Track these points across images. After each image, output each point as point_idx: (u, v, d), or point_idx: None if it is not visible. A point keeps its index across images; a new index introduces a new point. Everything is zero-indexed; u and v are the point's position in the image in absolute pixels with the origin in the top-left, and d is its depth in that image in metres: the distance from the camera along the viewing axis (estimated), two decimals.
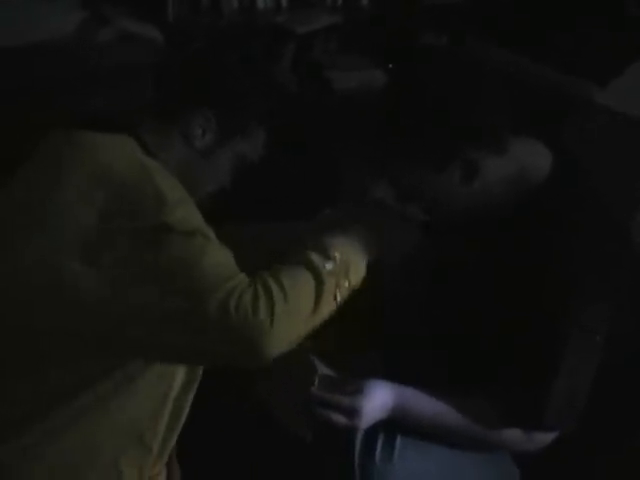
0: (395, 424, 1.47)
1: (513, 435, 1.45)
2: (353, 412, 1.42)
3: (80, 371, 1.32)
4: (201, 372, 1.43)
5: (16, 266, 1.32)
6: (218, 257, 1.29)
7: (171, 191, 1.30)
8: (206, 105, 1.43)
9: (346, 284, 1.35)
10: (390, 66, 1.98)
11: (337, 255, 1.35)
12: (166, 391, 1.39)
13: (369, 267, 1.40)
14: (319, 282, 1.31)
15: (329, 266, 1.33)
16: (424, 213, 1.50)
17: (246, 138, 1.48)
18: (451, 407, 1.46)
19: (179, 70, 1.48)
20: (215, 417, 1.56)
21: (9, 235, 1.36)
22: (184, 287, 1.25)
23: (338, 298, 1.34)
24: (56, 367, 1.32)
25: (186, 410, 1.44)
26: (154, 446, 1.41)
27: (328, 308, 1.33)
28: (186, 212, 1.30)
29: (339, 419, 1.42)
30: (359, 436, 1.48)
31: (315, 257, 1.33)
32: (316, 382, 1.45)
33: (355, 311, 1.59)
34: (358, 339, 1.63)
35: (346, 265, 1.35)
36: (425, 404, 1.47)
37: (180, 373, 1.39)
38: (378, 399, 1.44)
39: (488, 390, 1.43)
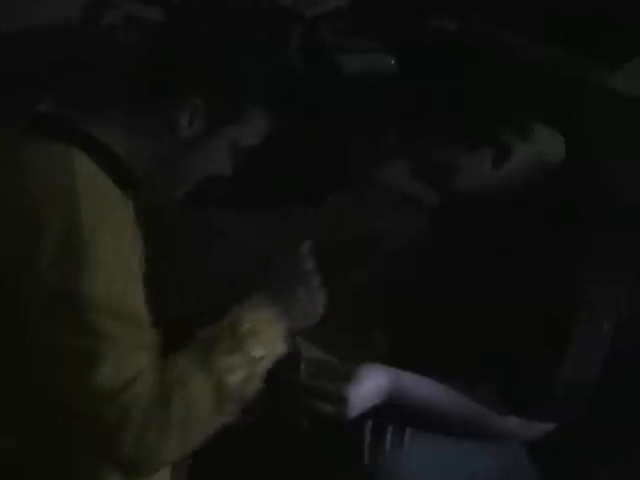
0: (399, 414, 1.48)
1: (513, 423, 1.46)
2: (339, 399, 1.40)
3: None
4: None
5: None
6: (131, 355, 1.19)
7: (101, 245, 1.17)
8: (195, 93, 1.33)
9: (251, 387, 1.30)
10: (393, 62, 1.99)
11: (250, 344, 1.28)
12: None
13: (375, 251, 1.39)
14: (220, 401, 1.25)
15: (235, 377, 1.26)
16: (437, 196, 1.54)
17: (241, 125, 1.38)
18: (452, 393, 1.46)
19: (163, 56, 1.37)
20: None
21: None
22: (81, 385, 1.16)
23: (245, 395, 1.29)
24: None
25: None
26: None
27: (228, 415, 1.29)
28: (111, 279, 1.17)
29: (325, 407, 1.41)
30: (368, 427, 1.49)
31: (223, 363, 1.26)
32: (302, 367, 1.43)
33: (359, 295, 1.69)
34: (361, 323, 1.63)
35: (261, 356, 1.29)
36: (424, 388, 1.47)
37: None
38: (371, 383, 1.42)
39: (490, 376, 1.45)
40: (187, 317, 1.44)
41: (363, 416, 1.47)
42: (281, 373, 1.38)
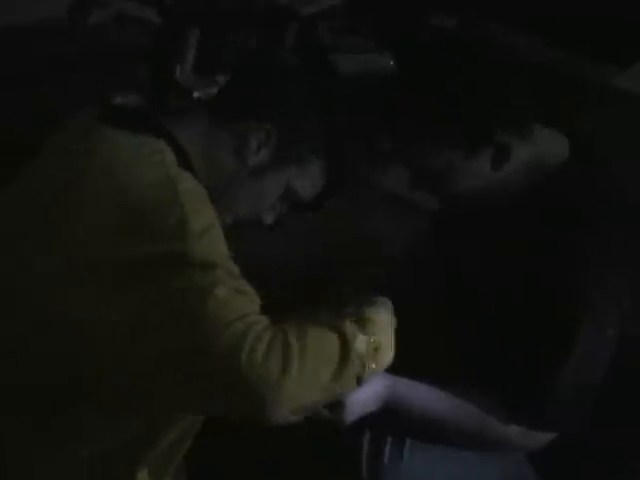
0: (397, 423, 1.47)
1: (512, 432, 1.45)
2: (336, 404, 1.38)
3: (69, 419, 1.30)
4: (199, 425, 1.41)
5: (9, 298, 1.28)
6: (237, 293, 1.20)
7: (198, 216, 1.22)
8: (270, 119, 1.35)
9: (373, 366, 1.29)
10: (391, 63, 1.98)
11: (372, 330, 1.29)
12: (153, 439, 1.36)
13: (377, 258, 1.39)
14: (345, 359, 1.23)
15: (361, 346, 1.26)
16: (436, 201, 1.52)
17: (301, 169, 1.40)
18: (450, 399, 1.45)
19: (248, 76, 1.41)
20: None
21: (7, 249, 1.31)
22: (195, 320, 1.16)
23: (361, 379, 1.28)
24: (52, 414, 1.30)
25: (181, 454, 1.43)
26: None
27: (346, 387, 1.27)
28: (210, 243, 1.21)
29: (322, 412, 1.39)
30: (366, 438, 1.48)
31: (350, 328, 1.26)
32: None
33: None
34: None
35: (376, 346, 1.29)
36: (422, 395, 1.46)
37: (174, 425, 1.37)
38: (367, 389, 1.40)
39: (490, 384, 1.43)
40: None
41: (361, 427, 1.46)
42: None
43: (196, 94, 1.99)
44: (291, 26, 2.34)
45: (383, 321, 1.33)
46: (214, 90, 1.96)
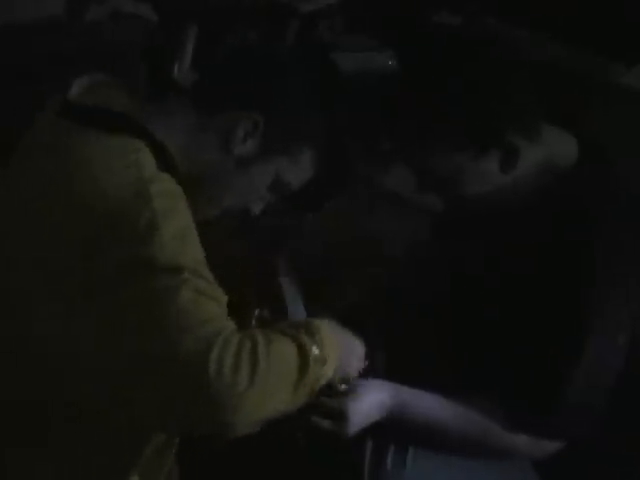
0: (400, 432, 1.45)
1: (519, 440, 1.43)
2: (339, 415, 1.38)
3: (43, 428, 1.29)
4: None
5: None
6: (204, 296, 1.18)
7: (169, 220, 1.20)
8: (258, 108, 1.33)
9: (321, 378, 1.28)
10: (390, 62, 1.97)
11: (323, 342, 1.27)
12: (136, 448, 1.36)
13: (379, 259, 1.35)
14: (304, 371, 1.23)
15: (316, 351, 1.25)
16: (441, 202, 1.51)
17: (290, 159, 1.39)
18: (455, 408, 1.44)
19: (235, 61, 1.39)
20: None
21: None
22: (161, 321, 1.15)
23: (314, 387, 1.26)
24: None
25: (169, 459, 1.42)
26: None
27: (303, 395, 1.25)
28: (180, 247, 1.19)
29: (324, 423, 1.38)
30: (368, 446, 1.47)
31: (305, 337, 1.25)
32: None
33: (358, 309, 1.66)
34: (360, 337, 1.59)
35: (324, 360, 1.27)
36: (426, 404, 1.45)
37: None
38: (372, 399, 1.41)
39: (495, 392, 1.42)
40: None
41: (364, 435, 1.45)
42: None
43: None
44: (291, 24, 2.32)
45: (330, 338, 1.30)
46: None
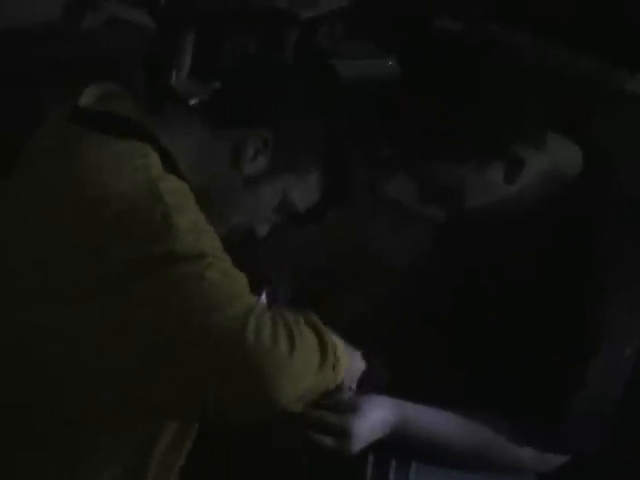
0: (403, 447, 1.43)
1: (524, 454, 1.42)
2: (342, 433, 1.35)
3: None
4: (194, 430, 1.39)
5: None
6: (230, 277, 1.19)
7: (182, 214, 1.20)
8: (267, 125, 1.33)
9: (336, 376, 1.29)
10: (390, 63, 1.97)
11: (334, 343, 1.28)
12: (146, 448, 1.34)
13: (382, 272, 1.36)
14: (324, 349, 1.24)
15: (330, 346, 1.26)
16: (446, 215, 1.48)
17: (298, 178, 1.38)
18: (459, 423, 1.43)
19: (244, 80, 1.39)
20: (216, 446, 1.51)
21: None
22: (191, 303, 1.15)
23: (330, 382, 1.28)
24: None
25: (178, 464, 1.40)
26: None
27: (324, 381, 1.26)
28: (197, 237, 1.20)
29: (326, 440, 1.35)
30: (370, 461, 1.45)
31: (320, 327, 1.27)
32: None
33: (358, 321, 1.65)
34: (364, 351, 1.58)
35: (337, 359, 1.28)
36: (432, 419, 1.43)
37: (167, 432, 1.34)
38: (375, 415, 1.39)
39: (500, 405, 1.40)
40: None
41: (365, 450, 1.42)
42: None
43: (192, 101, 1.95)
44: (291, 31, 2.31)
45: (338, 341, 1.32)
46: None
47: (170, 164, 1.28)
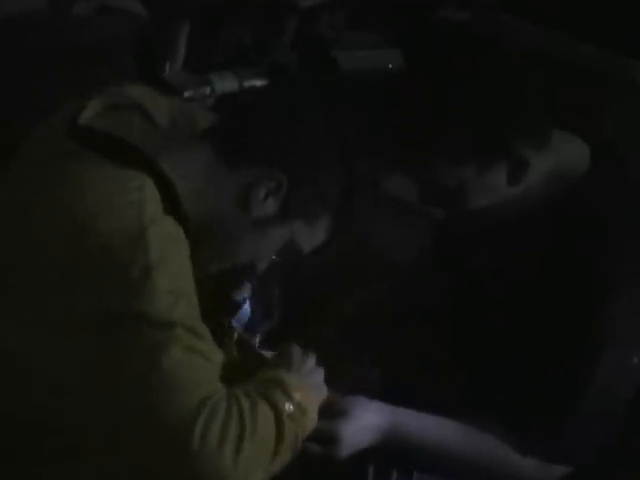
0: (404, 457, 1.41)
1: (525, 464, 1.39)
2: (329, 438, 1.32)
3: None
4: None
5: None
6: (195, 355, 1.15)
7: (164, 268, 1.15)
8: (283, 168, 1.28)
9: (301, 432, 1.25)
10: (390, 66, 1.94)
11: (297, 396, 1.24)
12: None
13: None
14: (279, 422, 1.20)
15: (289, 408, 1.22)
16: (447, 215, 1.46)
17: (308, 225, 1.33)
18: (458, 430, 1.40)
19: (261, 116, 1.33)
20: None
21: None
22: (147, 380, 1.12)
23: (297, 445, 1.24)
24: None
25: None
26: None
27: (285, 456, 1.22)
28: (174, 300, 1.15)
29: (313, 447, 1.32)
30: (370, 472, 1.42)
31: (277, 394, 1.23)
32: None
33: (352, 324, 1.63)
34: (354, 355, 1.58)
35: (303, 410, 1.25)
36: (426, 426, 1.40)
37: None
38: (365, 420, 1.36)
39: (501, 412, 1.38)
40: None
41: (365, 460, 1.41)
42: None
43: (187, 94, 1.95)
44: (290, 20, 2.27)
45: (305, 387, 1.29)
46: (206, 90, 1.91)
47: (169, 193, 1.22)
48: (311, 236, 1.35)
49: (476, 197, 1.37)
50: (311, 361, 1.36)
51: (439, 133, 1.34)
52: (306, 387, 1.27)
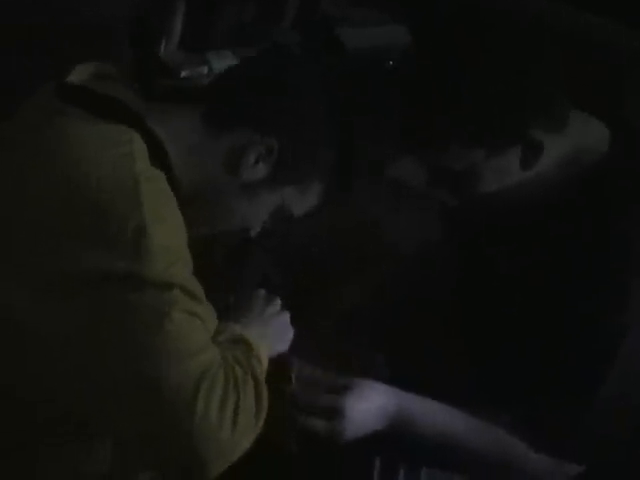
0: (409, 448, 1.40)
1: (538, 462, 1.38)
2: (334, 413, 1.32)
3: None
4: None
5: None
6: (194, 318, 1.16)
7: (159, 226, 1.15)
8: (274, 133, 1.29)
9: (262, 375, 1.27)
10: (391, 63, 1.92)
11: (265, 362, 1.28)
12: None
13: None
14: (259, 393, 1.21)
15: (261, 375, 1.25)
16: (457, 200, 1.43)
17: (298, 191, 1.35)
18: (469, 422, 1.39)
19: (253, 78, 1.33)
20: None
21: None
22: (147, 346, 1.11)
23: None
24: None
25: None
26: None
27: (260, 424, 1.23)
28: (169, 260, 1.15)
29: (317, 423, 1.33)
30: (376, 467, 1.44)
31: (254, 362, 1.24)
32: (293, 380, 1.38)
33: (356, 311, 1.65)
34: (362, 342, 1.58)
35: (258, 357, 1.27)
36: (434, 412, 1.40)
37: None
38: (372, 401, 1.36)
39: (515, 407, 1.37)
40: None
41: (371, 454, 1.44)
42: (269, 386, 1.30)
43: (183, 73, 1.94)
44: None
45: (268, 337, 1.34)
46: (204, 70, 1.89)
47: (159, 154, 1.24)
48: (302, 201, 1.37)
49: (487, 181, 1.36)
50: (275, 306, 1.40)
51: (449, 114, 1.31)
52: (266, 338, 1.30)
